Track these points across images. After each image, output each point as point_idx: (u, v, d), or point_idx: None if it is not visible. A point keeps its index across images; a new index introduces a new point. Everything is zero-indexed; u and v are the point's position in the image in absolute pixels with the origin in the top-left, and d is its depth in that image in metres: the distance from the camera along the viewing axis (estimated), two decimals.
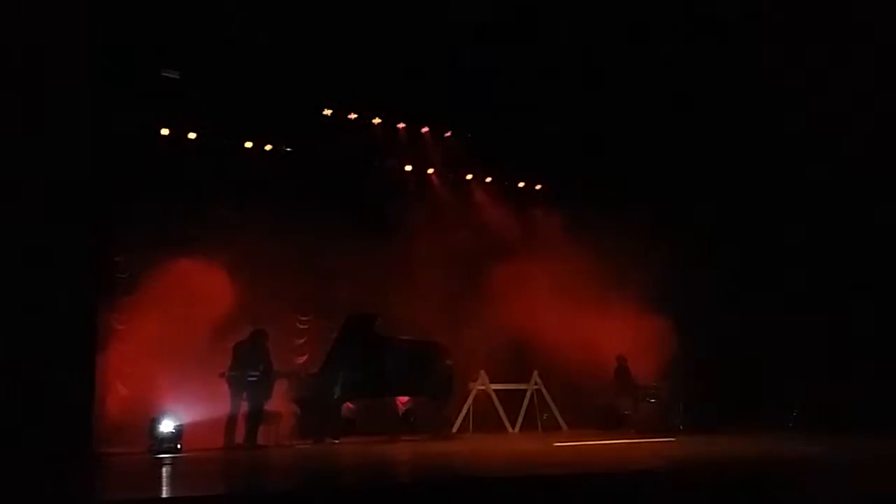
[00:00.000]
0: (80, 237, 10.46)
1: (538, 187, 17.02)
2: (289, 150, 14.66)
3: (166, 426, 11.47)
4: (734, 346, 14.57)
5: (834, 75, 12.67)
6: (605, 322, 14.77)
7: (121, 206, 12.06)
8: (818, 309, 13.96)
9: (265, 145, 14.40)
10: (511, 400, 15.24)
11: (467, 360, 14.65)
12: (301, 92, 13.87)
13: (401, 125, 15.44)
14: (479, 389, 14.91)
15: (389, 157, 15.59)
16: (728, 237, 14.85)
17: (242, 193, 13.44)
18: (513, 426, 15.07)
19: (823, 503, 7.73)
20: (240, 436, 12.10)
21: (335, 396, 12.76)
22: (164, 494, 7.70)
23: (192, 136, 13.60)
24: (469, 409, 14.77)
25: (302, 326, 14.65)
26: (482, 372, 14.92)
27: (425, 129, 15.64)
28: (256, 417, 12.23)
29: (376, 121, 15.10)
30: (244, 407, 12.17)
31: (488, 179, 16.61)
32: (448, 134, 15.82)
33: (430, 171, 16.11)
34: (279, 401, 12.70)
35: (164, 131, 13.30)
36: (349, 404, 13.45)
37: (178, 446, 11.41)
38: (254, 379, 12.17)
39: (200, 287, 12.50)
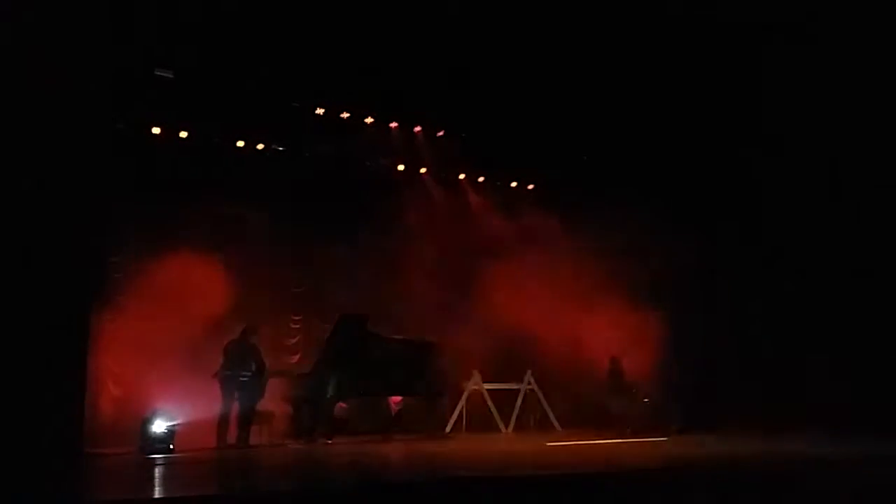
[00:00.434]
0: (72, 237, 10.40)
1: (530, 187, 17.02)
2: (281, 149, 14.62)
3: (158, 426, 11.43)
4: (729, 346, 14.60)
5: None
6: (598, 322, 14.77)
7: (113, 205, 12.00)
8: (817, 308, 13.99)
9: (257, 144, 14.36)
10: (504, 400, 15.23)
11: (460, 360, 14.63)
12: (293, 91, 13.85)
13: (393, 124, 15.41)
14: (473, 389, 14.90)
15: (382, 157, 15.56)
16: (726, 236, 14.86)
17: (234, 193, 13.39)
18: (506, 426, 15.07)
19: (818, 502, 7.75)
20: (232, 435, 12.08)
21: (328, 396, 12.74)
22: (157, 495, 7.68)
23: (183, 135, 13.55)
24: (462, 408, 14.76)
25: (294, 326, 14.62)
26: (475, 372, 14.91)
27: (418, 129, 15.62)
28: (249, 417, 12.20)
29: (369, 120, 15.07)
30: (236, 407, 12.14)
31: (481, 179, 16.61)
32: (440, 133, 15.79)
33: (423, 170, 16.09)
34: (272, 400, 12.67)
35: (156, 130, 13.26)
36: (342, 404, 13.42)
37: (171, 446, 11.37)
38: (246, 378, 12.14)
39: (193, 287, 12.45)
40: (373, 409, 14.29)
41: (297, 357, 14.35)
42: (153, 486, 8.33)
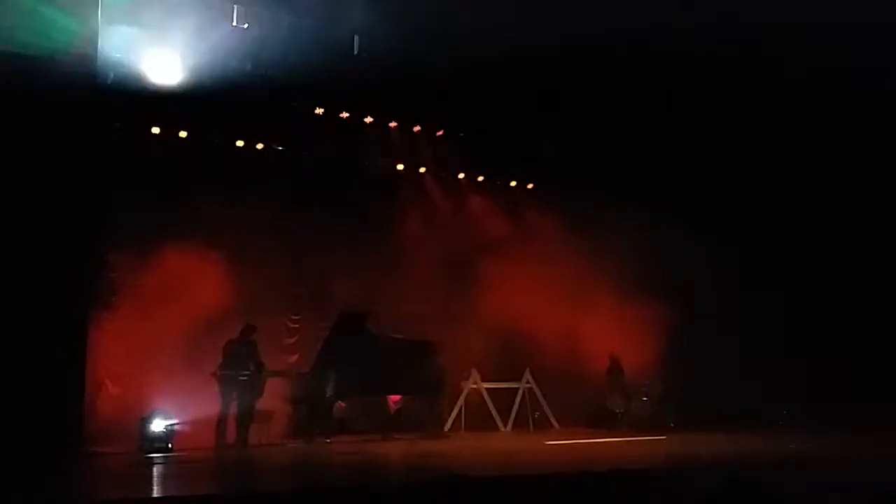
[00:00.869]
0: (70, 236, 10.40)
1: (530, 186, 17.02)
2: (280, 148, 14.61)
3: (157, 425, 11.43)
4: (727, 345, 14.61)
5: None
6: (597, 321, 14.79)
7: (111, 204, 12.01)
8: (815, 308, 14.01)
9: (256, 144, 14.35)
10: (503, 398, 15.23)
11: (459, 359, 14.63)
12: (292, 90, 13.84)
13: (392, 124, 15.40)
14: (471, 388, 14.90)
15: (381, 156, 15.55)
16: (725, 235, 14.87)
17: (233, 192, 13.37)
18: (505, 425, 15.07)
19: (814, 501, 7.76)
20: (231, 435, 12.07)
21: (327, 395, 12.75)
22: (155, 494, 7.69)
23: (182, 134, 13.55)
24: (461, 407, 14.76)
25: (293, 325, 14.60)
26: (474, 370, 14.92)
27: (417, 128, 15.62)
28: (247, 416, 12.20)
29: (368, 119, 15.07)
30: (235, 406, 12.14)
31: (480, 178, 16.61)
32: (440, 133, 15.79)
33: (422, 169, 16.08)
34: (270, 400, 12.67)
35: (155, 130, 13.25)
36: (341, 403, 13.43)
37: (169, 446, 11.38)
38: (245, 378, 12.14)
39: (192, 286, 12.45)
40: (372, 408, 14.29)
41: (295, 356, 14.32)
42: (152, 485, 8.33)
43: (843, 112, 13.34)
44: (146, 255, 12.58)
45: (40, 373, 9.74)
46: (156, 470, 9.58)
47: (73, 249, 10.41)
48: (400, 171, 15.81)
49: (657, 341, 14.51)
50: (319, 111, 14.49)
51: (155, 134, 13.25)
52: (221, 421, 12.03)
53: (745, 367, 14.57)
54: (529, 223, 16.30)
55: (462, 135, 15.80)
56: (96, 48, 10.55)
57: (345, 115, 14.80)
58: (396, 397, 14.24)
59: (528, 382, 15.39)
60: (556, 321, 14.95)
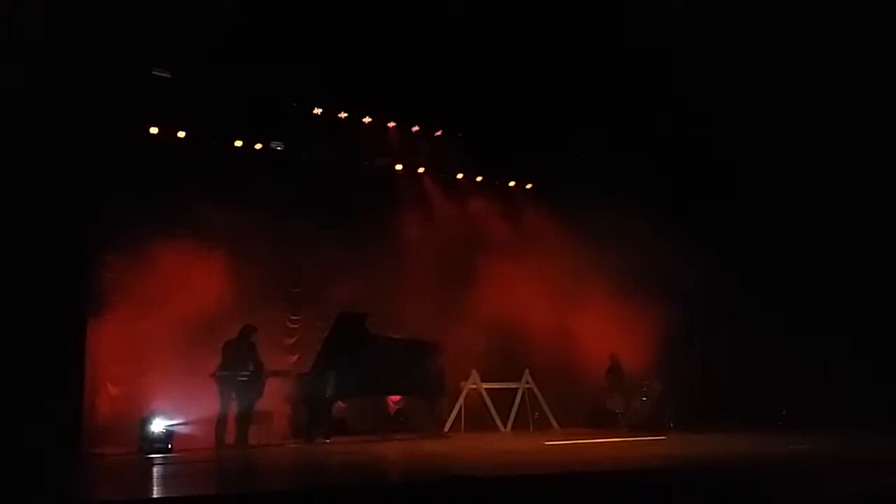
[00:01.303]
0: (69, 236, 10.40)
1: (529, 186, 17.02)
2: (279, 148, 14.61)
3: (157, 426, 11.43)
4: (726, 345, 14.61)
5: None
6: (596, 321, 14.80)
7: (110, 204, 12.00)
8: (813, 307, 14.01)
9: (255, 144, 14.35)
10: (502, 399, 15.24)
11: (459, 359, 14.63)
12: (291, 90, 13.84)
13: (391, 124, 15.41)
14: (471, 388, 14.91)
15: (380, 156, 15.56)
16: (725, 235, 14.87)
17: (232, 192, 13.37)
18: (504, 425, 15.07)
19: (812, 502, 7.76)
20: (231, 435, 12.07)
21: (326, 396, 12.74)
22: (155, 495, 7.68)
23: (181, 134, 13.54)
24: (461, 408, 14.76)
25: (293, 326, 14.61)
26: (474, 371, 14.92)
27: (416, 128, 15.62)
28: (247, 417, 12.19)
29: (366, 119, 15.07)
30: (235, 406, 12.14)
31: (479, 178, 16.61)
32: (438, 133, 15.79)
33: (421, 169, 16.09)
34: (270, 400, 12.67)
35: (154, 130, 13.25)
36: (340, 403, 13.43)
37: (169, 446, 11.37)
38: (244, 378, 12.14)
39: (191, 286, 12.45)
40: (371, 408, 14.30)
41: (295, 357, 14.33)
42: (152, 486, 8.32)
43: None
44: (145, 256, 12.57)
45: (39, 374, 9.76)
46: (155, 471, 9.56)
47: (71, 250, 10.43)
48: (398, 171, 15.83)
49: (656, 341, 14.51)
50: (318, 111, 14.50)
51: (153, 133, 13.25)
52: (221, 421, 12.02)
53: (744, 368, 14.56)
54: (528, 223, 16.32)
55: (461, 135, 15.81)
56: (94, 47, 10.56)
57: (343, 115, 14.80)
58: (396, 398, 14.25)
59: (527, 383, 15.40)
60: (556, 321, 14.96)
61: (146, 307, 12.51)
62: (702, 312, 14.71)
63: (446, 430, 14.38)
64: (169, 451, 11.29)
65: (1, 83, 9.73)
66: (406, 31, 12.83)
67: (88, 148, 10.86)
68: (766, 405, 14.58)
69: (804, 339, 14.18)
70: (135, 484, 8.59)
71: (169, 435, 11.46)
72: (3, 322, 9.68)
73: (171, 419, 11.54)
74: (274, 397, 12.78)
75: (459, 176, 16.46)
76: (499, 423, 15.03)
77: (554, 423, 15.38)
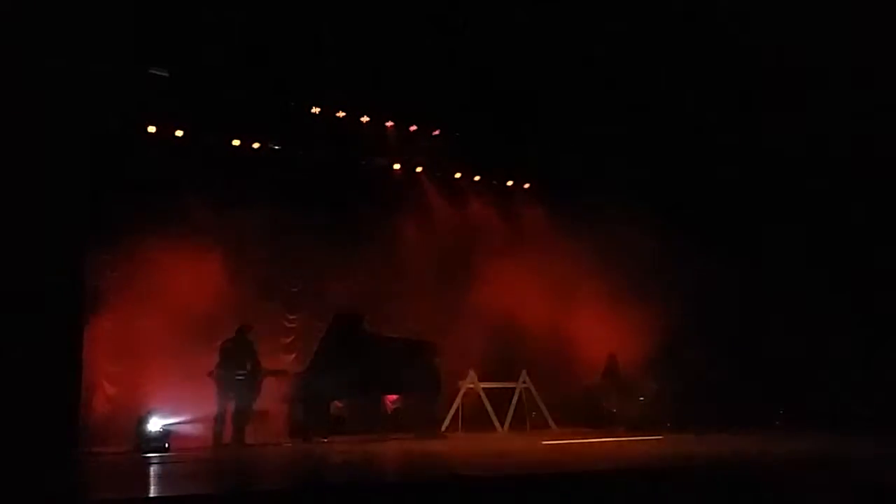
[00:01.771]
0: (66, 235, 10.40)
1: (526, 186, 17.02)
2: (276, 147, 14.61)
3: (154, 425, 11.42)
4: (723, 345, 14.62)
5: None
6: (593, 320, 14.80)
7: (107, 203, 12.00)
8: (812, 308, 14.02)
9: (253, 143, 14.34)
10: (500, 398, 15.23)
11: (456, 359, 14.63)
12: (289, 90, 13.83)
13: (389, 123, 15.41)
14: (468, 388, 14.90)
15: (377, 156, 15.56)
16: (723, 234, 14.88)
17: (230, 192, 13.38)
18: (502, 425, 15.06)
19: (810, 502, 7.77)
20: (228, 435, 12.07)
21: (324, 395, 12.74)
22: (152, 494, 7.67)
23: (179, 133, 13.53)
24: (458, 407, 14.76)
25: (290, 325, 14.61)
26: (471, 370, 14.92)
27: (413, 128, 15.61)
28: (244, 416, 12.20)
29: (364, 119, 15.07)
30: (232, 406, 12.13)
31: (477, 178, 16.61)
32: (436, 132, 15.79)
33: (419, 169, 16.09)
34: (267, 399, 12.67)
35: (151, 129, 13.24)
36: (338, 403, 13.43)
37: (166, 445, 11.37)
38: (241, 378, 12.14)
39: (188, 286, 12.44)
40: (369, 408, 14.29)
41: (292, 356, 14.33)
42: (148, 485, 8.32)
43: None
44: (142, 255, 12.55)
45: (36, 373, 9.75)
46: (153, 470, 9.56)
47: (68, 248, 10.41)
48: (396, 170, 15.82)
49: (653, 341, 14.51)
50: (316, 110, 14.50)
51: (151, 132, 13.24)
52: (218, 421, 12.03)
53: (741, 368, 14.57)
54: (526, 223, 16.32)
55: (458, 134, 15.81)
56: (92, 47, 10.56)
57: (341, 114, 14.80)
58: (393, 397, 14.24)
59: (524, 382, 15.39)
60: (553, 321, 14.96)
61: (143, 306, 12.49)
62: (699, 312, 14.71)
63: (443, 429, 14.37)
64: (166, 450, 11.28)
65: (1, 84, 9.73)
66: (404, 30, 12.83)
67: (86, 146, 10.85)
68: (764, 405, 14.59)
69: (803, 339, 14.18)
70: (131, 483, 8.58)
71: (166, 434, 11.46)
72: (1, 321, 9.67)
73: (168, 418, 11.54)
74: (271, 396, 12.78)
75: (457, 175, 16.46)
76: (496, 422, 15.02)
77: (551, 423, 15.37)
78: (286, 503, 7.06)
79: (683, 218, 14.79)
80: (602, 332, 14.85)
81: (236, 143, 14.14)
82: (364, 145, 15.18)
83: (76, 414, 10.62)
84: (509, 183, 17.02)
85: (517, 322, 14.98)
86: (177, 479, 8.91)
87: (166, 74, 12.76)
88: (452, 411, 14.68)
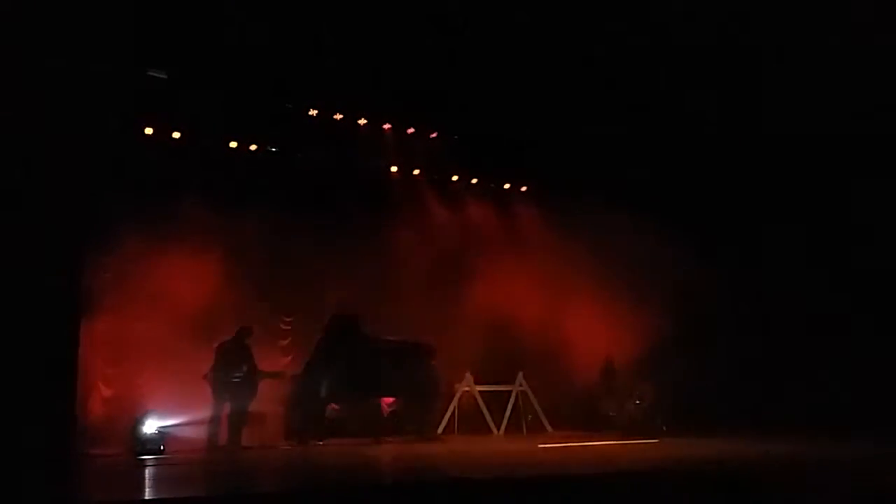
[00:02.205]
0: (63, 237, 10.37)
1: (524, 189, 17.03)
2: (274, 150, 14.61)
3: (149, 428, 11.41)
4: (720, 348, 14.62)
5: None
6: (590, 323, 14.79)
7: (104, 205, 11.97)
8: (811, 307, 14.03)
9: (250, 145, 14.34)
10: (496, 401, 15.23)
11: (452, 362, 14.63)
12: (286, 92, 13.83)
13: (386, 126, 15.41)
14: (465, 391, 14.90)
15: (375, 158, 15.55)
16: (723, 235, 14.87)
17: (227, 193, 13.36)
18: (498, 428, 15.06)
19: (808, 502, 7.77)
20: (223, 437, 12.05)
21: (320, 397, 12.73)
22: (147, 496, 7.66)
23: (176, 135, 13.52)
24: (454, 410, 14.76)
25: (286, 327, 14.59)
26: (467, 373, 14.91)
27: (411, 130, 15.62)
28: (240, 418, 12.18)
29: (362, 121, 15.07)
30: (227, 408, 12.12)
31: (474, 181, 16.61)
32: (434, 135, 15.79)
33: (416, 172, 16.08)
34: (263, 402, 12.65)
35: (149, 130, 13.23)
36: (334, 405, 13.41)
37: (162, 448, 11.35)
38: (237, 380, 12.12)
39: (184, 288, 12.43)
40: (365, 410, 14.26)
41: (289, 358, 14.31)
42: (144, 487, 8.31)
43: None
44: (138, 257, 12.54)
45: (32, 374, 9.71)
46: (148, 472, 9.54)
47: (65, 250, 10.38)
48: (394, 173, 15.81)
49: (650, 345, 14.50)
50: (313, 112, 14.49)
51: (148, 134, 13.23)
52: (214, 423, 12.01)
53: (738, 371, 14.56)
54: (523, 225, 16.32)
55: (456, 137, 15.81)
56: (92, 47, 10.54)
57: (338, 116, 14.80)
58: (390, 400, 14.23)
59: (521, 385, 15.40)
60: (550, 324, 14.95)
61: (139, 308, 12.47)
62: (695, 315, 14.70)
63: (440, 432, 14.38)
64: (161, 452, 11.27)
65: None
66: (401, 32, 12.82)
67: (83, 148, 10.82)
68: (760, 408, 14.58)
69: (801, 339, 14.17)
70: (127, 485, 8.57)
71: (161, 436, 11.45)
72: None
73: (164, 420, 11.52)
74: (267, 399, 12.76)
75: (455, 178, 16.46)
76: (492, 425, 15.01)
77: (547, 426, 15.37)
78: None
79: (682, 219, 14.78)
80: (599, 334, 14.84)
81: (233, 144, 14.13)
82: (361, 148, 15.17)
83: (72, 416, 10.59)
84: (507, 185, 17.02)
85: (514, 324, 14.97)
86: (172, 482, 8.90)
87: (164, 76, 12.76)
88: (449, 414, 14.69)
